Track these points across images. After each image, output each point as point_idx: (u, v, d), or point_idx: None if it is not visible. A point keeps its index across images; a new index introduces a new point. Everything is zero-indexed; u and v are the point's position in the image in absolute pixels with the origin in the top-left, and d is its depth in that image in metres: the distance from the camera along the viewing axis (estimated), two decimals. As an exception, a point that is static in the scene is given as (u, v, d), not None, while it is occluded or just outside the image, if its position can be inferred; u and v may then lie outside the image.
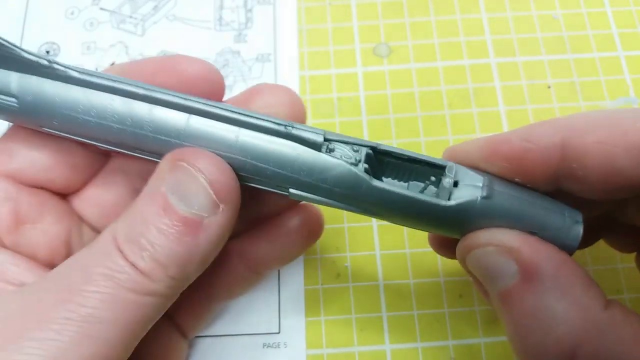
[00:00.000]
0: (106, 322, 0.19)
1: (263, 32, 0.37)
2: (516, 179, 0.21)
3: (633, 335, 0.18)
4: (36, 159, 0.23)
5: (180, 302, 0.25)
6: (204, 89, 0.23)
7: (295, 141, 0.21)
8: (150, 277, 0.20)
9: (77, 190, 0.25)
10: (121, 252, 0.20)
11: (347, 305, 0.31)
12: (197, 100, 0.21)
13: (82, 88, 0.21)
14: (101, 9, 0.38)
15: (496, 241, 0.20)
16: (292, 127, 0.21)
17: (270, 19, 0.38)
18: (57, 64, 0.21)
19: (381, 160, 0.22)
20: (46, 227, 0.24)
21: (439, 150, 0.33)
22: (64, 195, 0.25)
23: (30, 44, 0.37)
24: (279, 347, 0.30)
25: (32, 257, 0.23)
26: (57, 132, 0.22)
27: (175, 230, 0.20)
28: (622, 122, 0.19)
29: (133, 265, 0.20)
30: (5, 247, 0.23)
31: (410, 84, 0.36)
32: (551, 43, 0.37)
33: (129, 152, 0.22)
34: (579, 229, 0.21)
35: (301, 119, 0.24)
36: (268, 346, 0.30)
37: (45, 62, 0.21)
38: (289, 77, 0.36)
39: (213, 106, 0.21)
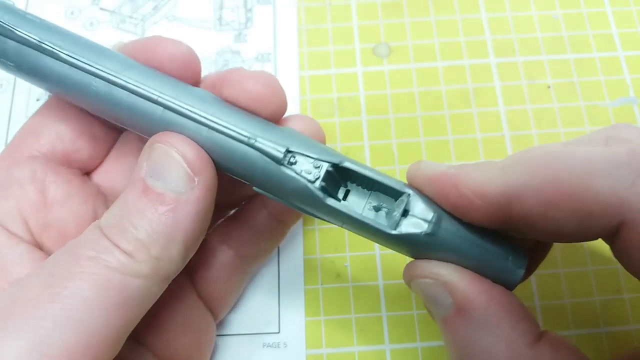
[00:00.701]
0: (91, 304, 0.19)
1: (263, 32, 0.37)
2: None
3: None
4: (62, 131, 0.25)
5: (212, 271, 0.26)
6: (180, 70, 0.23)
7: (258, 151, 0.22)
8: (134, 258, 0.20)
9: (97, 165, 0.26)
10: (105, 235, 0.20)
11: (347, 305, 0.31)
12: (171, 99, 0.22)
13: (77, 69, 0.23)
14: (101, 9, 0.38)
15: (433, 274, 0.21)
16: (255, 140, 0.22)
17: (270, 19, 0.38)
18: (46, 43, 0.23)
19: (346, 171, 0.22)
20: (74, 206, 0.24)
21: (439, 150, 0.34)
22: (86, 173, 0.26)
23: (30, 44, 0.37)
24: (278, 347, 0.30)
25: (60, 237, 0.24)
26: (51, 93, 0.24)
27: (155, 209, 0.20)
28: (564, 183, 0.19)
29: (117, 246, 0.20)
30: (31, 232, 0.24)
31: (410, 84, 0.36)
32: (551, 43, 0.37)
33: (112, 121, 0.24)
34: (519, 274, 0.21)
35: (276, 109, 0.24)
36: (268, 346, 0.30)
37: (35, 41, 0.23)
38: (289, 77, 0.36)
39: (186, 107, 0.22)
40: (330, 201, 0.21)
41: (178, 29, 0.37)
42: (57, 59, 0.23)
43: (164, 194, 0.21)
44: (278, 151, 0.22)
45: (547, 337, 0.20)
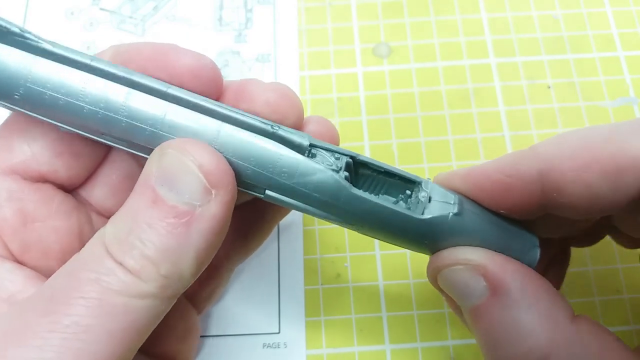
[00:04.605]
0: (93, 331, 0.18)
1: (263, 32, 0.37)
2: (501, 211, 0.22)
3: (600, 348, 0.19)
4: (37, 150, 0.22)
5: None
6: (197, 86, 0.21)
7: (280, 142, 0.21)
8: (140, 277, 0.18)
9: (82, 182, 0.24)
10: (109, 253, 0.19)
11: (347, 305, 0.31)
12: (180, 90, 0.20)
13: (54, 63, 0.20)
14: (101, 9, 0.38)
15: (464, 259, 0.21)
16: (279, 127, 0.21)
17: (270, 19, 0.38)
18: (30, 33, 0.20)
19: (357, 171, 0.22)
20: (56, 224, 0.22)
21: (439, 150, 0.34)
22: (68, 190, 0.24)
23: (30, 44, 0.37)
24: (279, 347, 0.30)
25: (43, 257, 0.22)
26: (18, 108, 0.20)
27: (166, 223, 0.19)
28: (593, 147, 0.19)
29: (121, 264, 0.18)
30: (11, 253, 0.22)
31: (410, 84, 0.36)
32: (551, 43, 0.37)
33: (95, 137, 0.21)
34: (537, 252, 0.22)
35: (296, 120, 0.22)
36: (268, 346, 0.30)
37: (17, 30, 0.19)
38: (289, 77, 0.36)
39: (196, 97, 0.20)
40: (357, 190, 0.21)
41: (178, 29, 0.37)
42: (41, 55, 0.20)
43: (176, 207, 0.19)
44: (303, 138, 0.20)
45: (583, 316, 0.20)
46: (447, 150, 0.34)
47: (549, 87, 0.36)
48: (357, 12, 0.38)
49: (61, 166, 0.22)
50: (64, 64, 0.20)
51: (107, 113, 0.20)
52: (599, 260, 0.31)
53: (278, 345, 0.30)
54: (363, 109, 0.35)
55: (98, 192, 0.24)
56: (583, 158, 0.19)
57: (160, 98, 0.20)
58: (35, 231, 0.22)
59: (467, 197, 0.22)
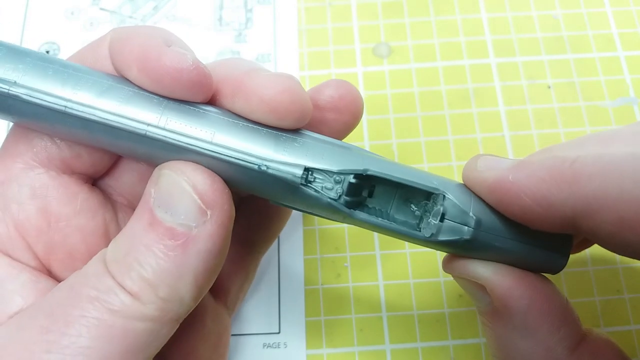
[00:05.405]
0: (91, 354, 0.17)
1: (263, 32, 0.37)
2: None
3: None
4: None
5: (226, 264, 0.24)
6: (179, 90, 0.19)
7: (271, 179, 0.20)
8: (139, 299, 0.18)
9: (107, 169, 0.23)
10: (110, 272, 0.19)
11: (347, 305, 0.31)
12: (161, 132, 0.19)
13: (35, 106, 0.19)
14: (101, 9, 0.38)
15: (472, 276, 0.21)
16: (267, 167, 0.20)
17: (270, 19, 0.38)
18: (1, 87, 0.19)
19: (367, 183, 0.21)
20: (81, 223, 0.21)
21: (439, 151, 0.34)
22: (95, 179, 0.23)
23: (30, 44, 0.37)
24: (279, 347, 0.30)
25: (69, 259, 0.22)
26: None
27: (163, 245, 0.18)
28: None
29: (121, 286, 0.18)
30: (36, 256, 0.21)
31: (410, 84, 0.36)
32: (551, 43, 0.37)
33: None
34: (564, 262, 0.21)
35: (298, 118, 0.20)
36: (268, 346, 0.30)
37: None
38: (289, 77, 0.36)
39: (179, 140, 0.19)
40: (358, 214, 0.20)
41: (178, 29, 0.37)
42: (18, 100, 0.19)
43: (173, 228, 0.19)
44: (294, 176, 0.20)
45: (589, 340, 0.19)
46: (447, 150, 0.34)
47: (549, 87, 0.36)
48: (357, 12, 0.38)
49: (83, 150, 0.22)
50: (51, 110, 0.19)
51: (97, 142, 0.20)
52: (599, 260, 0.31)
53: (278, 345, 0.30)
54: (363, 109, 0.35)
55: (127, 178, 0.23)
56: (627, 213, 0.17)
57: (142, 135, 0.20)
58: (60, 231, 0.21)
59: (489, 205, 0.20)
